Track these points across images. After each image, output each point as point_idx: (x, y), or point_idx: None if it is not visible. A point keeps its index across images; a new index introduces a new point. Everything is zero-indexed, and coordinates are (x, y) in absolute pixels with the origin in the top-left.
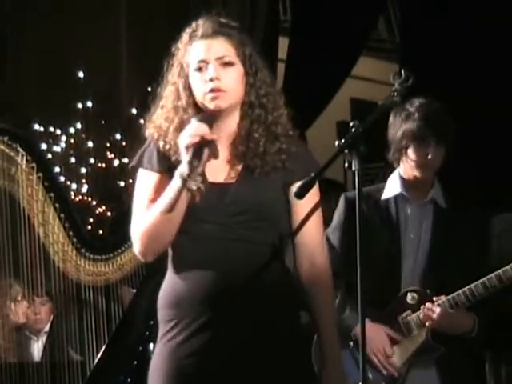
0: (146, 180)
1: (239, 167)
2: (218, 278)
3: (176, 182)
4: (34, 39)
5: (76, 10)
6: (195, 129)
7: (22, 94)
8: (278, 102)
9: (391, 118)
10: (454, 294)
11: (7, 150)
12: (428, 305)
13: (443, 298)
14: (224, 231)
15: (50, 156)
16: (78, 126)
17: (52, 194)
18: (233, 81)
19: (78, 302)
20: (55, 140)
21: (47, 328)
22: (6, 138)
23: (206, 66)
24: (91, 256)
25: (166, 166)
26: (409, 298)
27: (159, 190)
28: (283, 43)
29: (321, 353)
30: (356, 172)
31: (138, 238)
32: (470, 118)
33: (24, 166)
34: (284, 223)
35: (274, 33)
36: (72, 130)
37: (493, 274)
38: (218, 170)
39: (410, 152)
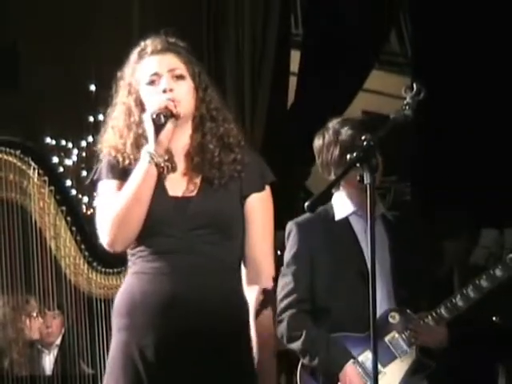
0: (108, 188)
1: (197, 180)
2: (172, 291)
3: (143, 161)
4: (45, 52)
5: (88, 23)
6: (159, 102)
7: (33, 108)
8: (228, 115)
9: (320, 141)
10: (437, 310)
11: (19, 164)
12: (415, 323)
13: (424, 314)
14: (183, 245)
15: (61, 169)
16: (90, 139)
17: (64, 208)
18: (185, 93)
19: (89, 315)
20: (67, 153)
21: (59, 341)
22: (17, 152)
23: (158, 79)
24: (103, 269)
25: (126, 174)
26: (390, 318)
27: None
28: (295, 56)
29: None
30: (368, 185)
31: (106, 227)
32: (482, 129)
33: (36, 180)
34: (241, 234)
35: (285, 46)
36: (84, 144)
37: (470, 285)
38: (177, 184)
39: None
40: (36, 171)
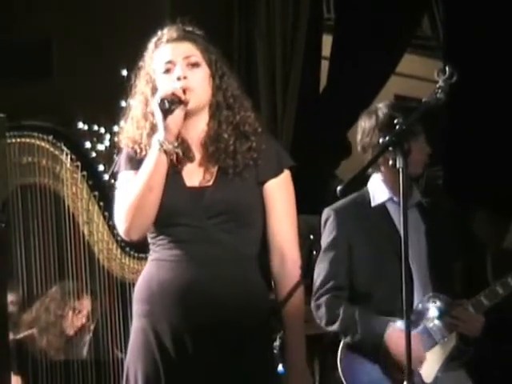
0: (126, 180)
1: (213, 169)
2: (190, 279)
3: (153, 148)
4: (78, 38)
5: (119, 8)
6: (166, 88)
7: (66, 93)
8: (245, 103)
9: (367, 123)
10: (477, 297)
11: (52, 149)
12: (456, 310)
13: (465, 301)
14: (201, 234)
15: (94, 154)
16: (122, 124)
17: (96, 193)
18: (199, 80)
19: (122, 300)
20: (99, 138)
21: (92, 326)
22: (50, 137)
23: (173, 66)
24: (135, 254)
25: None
26: (431, 304)
27: None
28: (327, 41)
29: (286, 352)
30: (400, 170)
31: (122, 215)
32: None
33: (68, 165)
34: (260, 222)
35: (317, 31)
36: (116, 129)
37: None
38: (193, 174)
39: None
40: (69, 156)
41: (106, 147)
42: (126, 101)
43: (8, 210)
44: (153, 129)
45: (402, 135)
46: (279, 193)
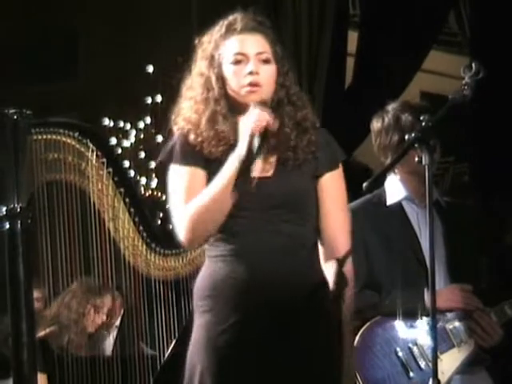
0: (181, 177)
1: (272, 160)
2: (254, 271)
3: (232, 165)
4: (103, 35)
5: (146, 3)
6: (259, 115)
7: (91, 90)
8: (305, 100)
9: (379, 124)
10: (501, 306)
11: (77, 146)
12: (478, 314)
13: (488, 308)
14: (262, 225)
15: (119, 151)
16: (148, 120)
17: (122, 189)
18: (269, 77)
19: (148, 297)
20: (125, 135)
21: (118, 322)
22: (76, 134)
23: (244, 59)
24: (161, 250)
25: (199, 159)
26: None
27: (194, 183)
28: (352, 37)
29: None
30: (426, 166)
31: (185, 224)
32: None
33: (94, 161)
34: (315, 214)
35: (343, 27)
36: (141, 125)
37: None
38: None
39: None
40: (94, 153)
41: (131, 143)
42: (153, 95)
43: (34, 206)
44: (213, 115)
45: (428, 132)
46: (334, 185)
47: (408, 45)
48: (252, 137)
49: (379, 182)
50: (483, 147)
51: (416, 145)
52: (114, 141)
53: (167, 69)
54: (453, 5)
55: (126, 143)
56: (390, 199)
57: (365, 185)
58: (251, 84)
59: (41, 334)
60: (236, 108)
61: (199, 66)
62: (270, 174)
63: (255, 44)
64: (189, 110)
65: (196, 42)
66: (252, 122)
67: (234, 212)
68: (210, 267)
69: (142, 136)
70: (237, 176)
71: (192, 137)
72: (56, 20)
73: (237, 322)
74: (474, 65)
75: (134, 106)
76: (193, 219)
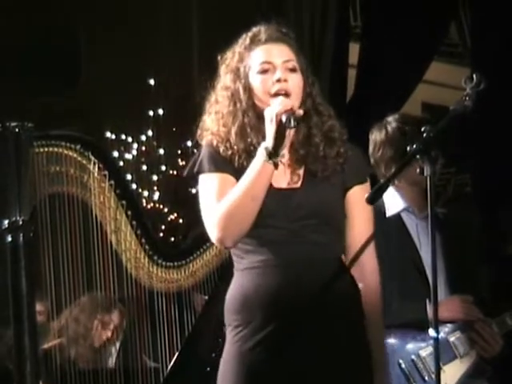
0: (211, 182)
1: (300, 172)
2: (285, 282)
3: (260, 158)
4: (105, 47)
5: (147, 17)
6: (283, 101)
7: (93, 102)
8: (331, 111)
9: (383, 135)
10: (503, 317)
11: (79, 158)
12: (479, 324)
13: (489, 319)
14: (291, 236)
15: (121, 163)
16: (150, 133)
17: (124, 202)
18: (297, 86)
19: (150, 309)
20: (127, 147)
21: (120, 335)
22: (78, 146)
23: (271, 68)
24: (163, 263)
25: (229, 167)
26: None
27: (225, 187)
28: (354, 49)
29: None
30: (428, 177)
31: (216, 222)
32: None
33: (96, 174)
34: (343, 226)
35: (344, 38)
36: (143, 138)
37: None
38: (280, 176)
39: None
40: (96, 165)
41: (133, 156)
42: (155, 108)
43: (36, 219)
44: (242, 128)
45: (429, 143)
46: (362, 200)
47: (410, 56)
48: (279, 122)
49: (382, 192)
50: (484, 158)
51: (418, 156)
52: (115, 153)
53: (169, 82)
54: (454, 16)
55: (128, 156)
56: (390, 211)
57: (367, 196)
58: (279, 92)
59: (47, 345)
60: (263, 119)
61: (223, 80)
62: (298, 185)
63: (281, 53)
64: (216, 123)
65: (218, 58)
66: (277, 105)
67: (262, 223)
68: (240, 281)
69: (143, 149)
70: (267, 168)
71: (221, 149)
72: (59, 33)
73: (269, 334)
74: (475, 76)
75: (136, 118)
76: (224, 216)
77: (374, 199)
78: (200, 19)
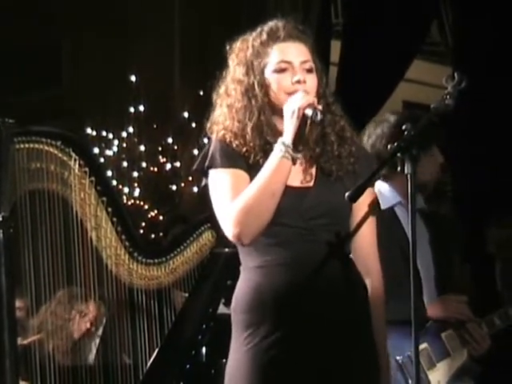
0: (225, 178)
1: (312, 170)
2: (298, 281)
3: (278, 153)
4: (87, 45)
5: (129, 14)
6: (303, 96)
7: (75, 99)
8: (342, 112)
9: (378, 130)
10: (491, 317)
11: (60, 155)
12: (471, 325)
13: (479, 319)
14: (304, 234)
15: (102, 160)
16: (130, 130)
17: (104, 198)
18: (314, 87)
19: (130, 306)
20: (107, 144)
21: (100, 331)
22: (58, 143)
23: (289, 67)
24: (144, 260)
25: (242, 163)
26: None
27: (239, 183)
28: (335, 46)
29: None
30: (409, 176)
31: (234, 218)
32: None
33: (77, 171)
34: (348, 227)
35: (326, 36)
36: (124, 134)
37: None
38: (293, 174)
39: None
40: (77, 162)
41: (113, 152)
42: (136, 105)
43: (16, 215)
44: (259, 125)
45: (410, 141)
46: (367, 201)
47: (391, 54)
48: (301, 116)
49: (362, 191)
50: (466, 157)
51: (398, 154)
52: (96, 150)
53: (150, 79)
54: (435, 14)
55: (109, 152)
56: (384, 204)
57: (347, 195)
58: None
59: (25, 341)
60: (278, 117)
61: (235, 72)
62: (311, 184)
63: (299, 52)
64: (228, 117)
65: (227, 48)
66: (299, 100)
67: (274, 221)
68: (249, 279)
69: (124, 145)
70: (285, 164)
71: (235, 144)
72: (40, 30)
73: (280, 333)
74: (456, 74)
75: (117, 115)
76: (243, 212)
77: (354, 197)
78: (182, 18)
